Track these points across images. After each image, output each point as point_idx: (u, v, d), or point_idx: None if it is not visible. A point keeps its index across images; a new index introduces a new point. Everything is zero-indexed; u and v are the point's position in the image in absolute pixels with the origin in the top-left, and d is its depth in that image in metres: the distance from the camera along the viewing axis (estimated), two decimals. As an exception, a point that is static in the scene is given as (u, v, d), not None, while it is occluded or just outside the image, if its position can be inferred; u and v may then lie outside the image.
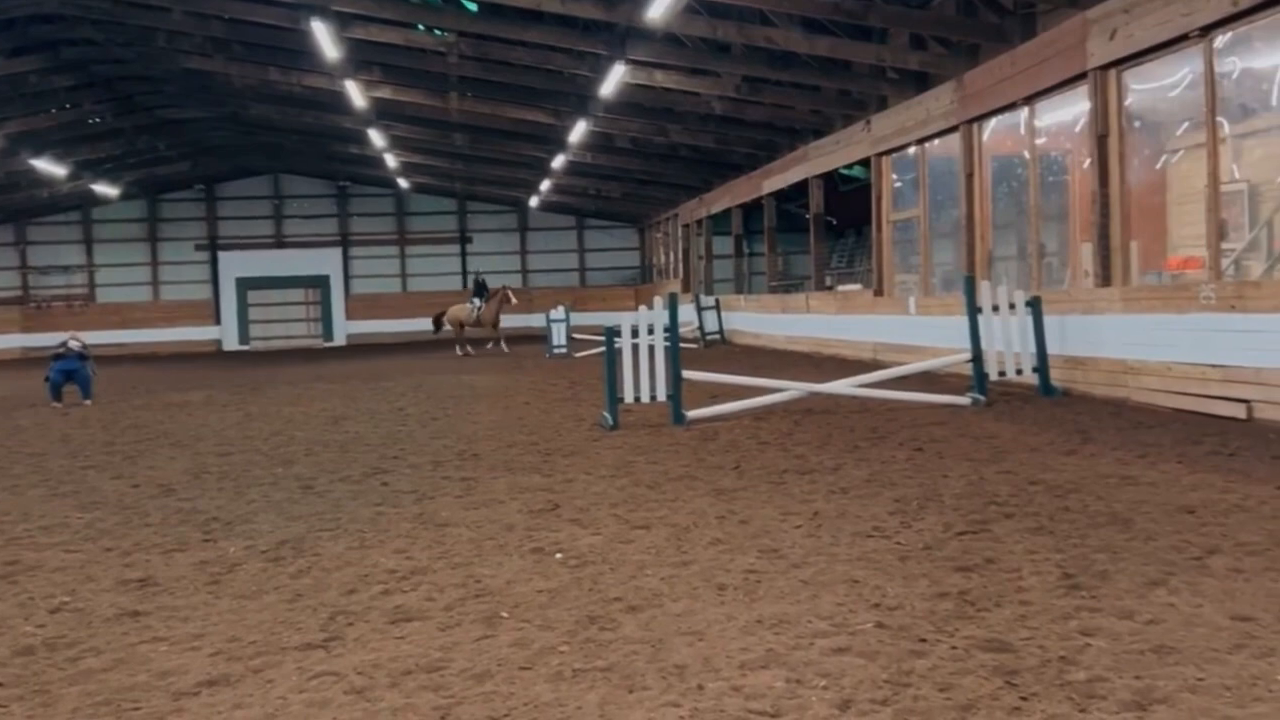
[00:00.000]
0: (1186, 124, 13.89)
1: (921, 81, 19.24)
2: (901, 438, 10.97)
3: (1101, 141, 13.95)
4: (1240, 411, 11.01)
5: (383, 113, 30.21)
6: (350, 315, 45.78)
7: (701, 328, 31.20)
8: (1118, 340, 13.20)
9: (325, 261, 45.72)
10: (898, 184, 21.46)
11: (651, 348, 12.85)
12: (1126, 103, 13.88)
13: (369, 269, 46.26)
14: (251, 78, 28.81)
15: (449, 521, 7.79)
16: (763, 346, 28.41)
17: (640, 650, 4.79)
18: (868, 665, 4.48)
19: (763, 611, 5.28)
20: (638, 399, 12.81)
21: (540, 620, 5.31)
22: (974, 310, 13.70)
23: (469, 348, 31.49)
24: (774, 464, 9.70)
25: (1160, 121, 14.59)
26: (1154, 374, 12.50)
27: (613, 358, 12.89)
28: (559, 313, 29.74)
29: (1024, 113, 16.14)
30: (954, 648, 4.64)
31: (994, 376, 13.74)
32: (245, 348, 44.10)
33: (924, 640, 4.75)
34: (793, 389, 13.82)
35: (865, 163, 22.63)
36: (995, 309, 13.83)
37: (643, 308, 13.41)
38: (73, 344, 19.23)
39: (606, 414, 12.81)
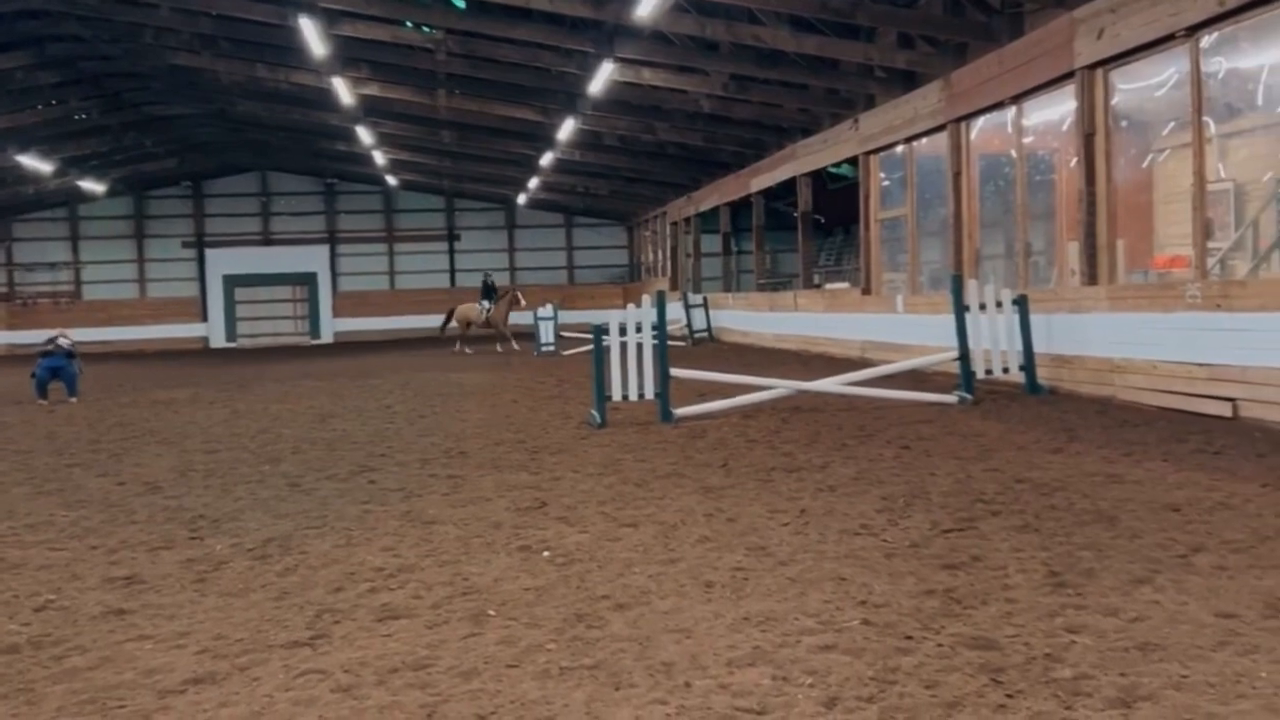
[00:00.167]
0: (1173, 123, 13.94)
1: (909, 80, 19.27)
2: (889, 436, 10.99)
3: (1088, 141, 13.99)
4: (1225, 410, 11.06)
5: (370, 110, 30.16)
6: (338, 313, 45.69)
7: (689, 326, 31.23)
8: (1104, 339, 13.25)
9: (312, 259, 45.61)
10: (885, 183, 21.49)
11: (639, 346, 12.85)
12: (1113, 102, 13.93)
13: (356, 266, 46.18)
14: (239, 74, 28.73)
15: (436, 519, 7.78)
16: (751, 345, 28.44)
17: (627, 648, 4.80)
18: (854, 662, 4.49)
19: (750, 609, 5.29)
20: (626, 397, 12.81)
21: (527, 618, 5.31)
22: (961, 309, 13.72)
23: (468, 348, 31.36)
24: (762, 462, 9.72)
25: (1147, 121, 14.64)
26: (1140, 372, 12.55)
27: (601, 355, 12.89)
28: (547, 311, 29.73)
29: (1011, 112, 16.18)
30: (940, 645, 4.65)
31: (981, 375, 13.77)
32: (232, 345, 43.99)
33: (910, 638, 4.77)
34: (780, 387, 13.83)
35: (853, 161, 22.67)
36: (982, 307, 13.86)
37: (631, 306, 13.41)
38: (62, 342, 19.13)
39: (594, 412, 12.81)
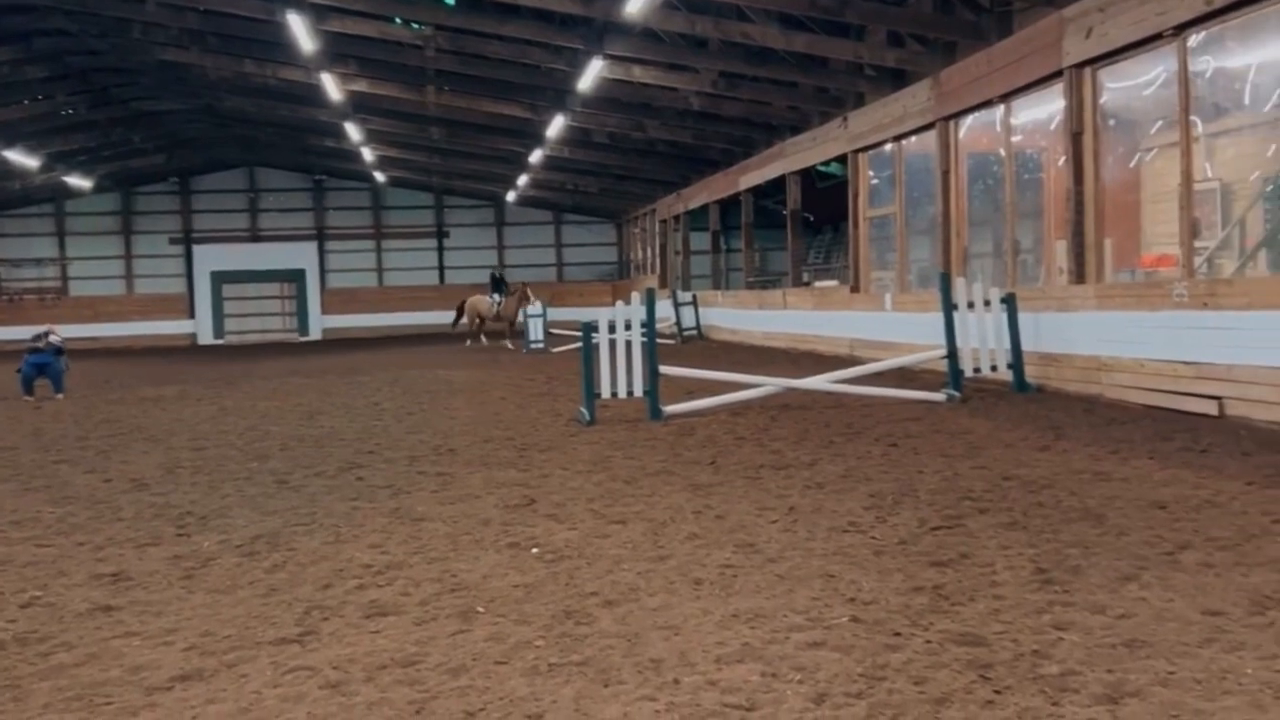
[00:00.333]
0: (1160, 123, 13.98)
1: (898, 79, 19.29)
2: (877, 433, 11.01)
3: (1076, 139, 14.03)
4: (1212, 408, 11.11)
5: (359, 106, 30.09)
6: (326, 309, 45.58)
7: (679, 323, 31.23)
8: (1091, 337, 13.29)
9: (301, 255, 45.48)
10: (874, 181, 21.52)
11: (629, 343, 12.85)
12: (1101, 101, 13.97)
13: (345, 263, 46.08)
14: (227, 70, 28.63)
15: (425, 516, 7.78)
16: (740, 342, 28.46)
17: (616, 645, 4.80)
18: (843, 659, 4.50)
19: (739, 606, 5.29)
20: (615, 394, 12.82)
21: (516, 615, 5.31)
22: (949, 307, 13.76)
23: (483, 340, 31.23)
24: (750, 459, 9.73)
25: (1134, 120, 14.68)
26: (1127, 371, 12.59)
27: (590, 353, 12.89)
28: (536, 308, 29.71)
29: (1000, 110, 16.21)
30: (928, 642, 4.67)
31: (969, 373, 13.82)
32: (220, 342, 43.88)
33: (899, 634, 4.78)
34: (769, 385, 13.84)
35: (842, 159, 22.69)
36: (970, 306, 13.90)
37: (620, 303, 13.41)
38: (53, 339, 19.03)
39: (583, 409, 12.81)
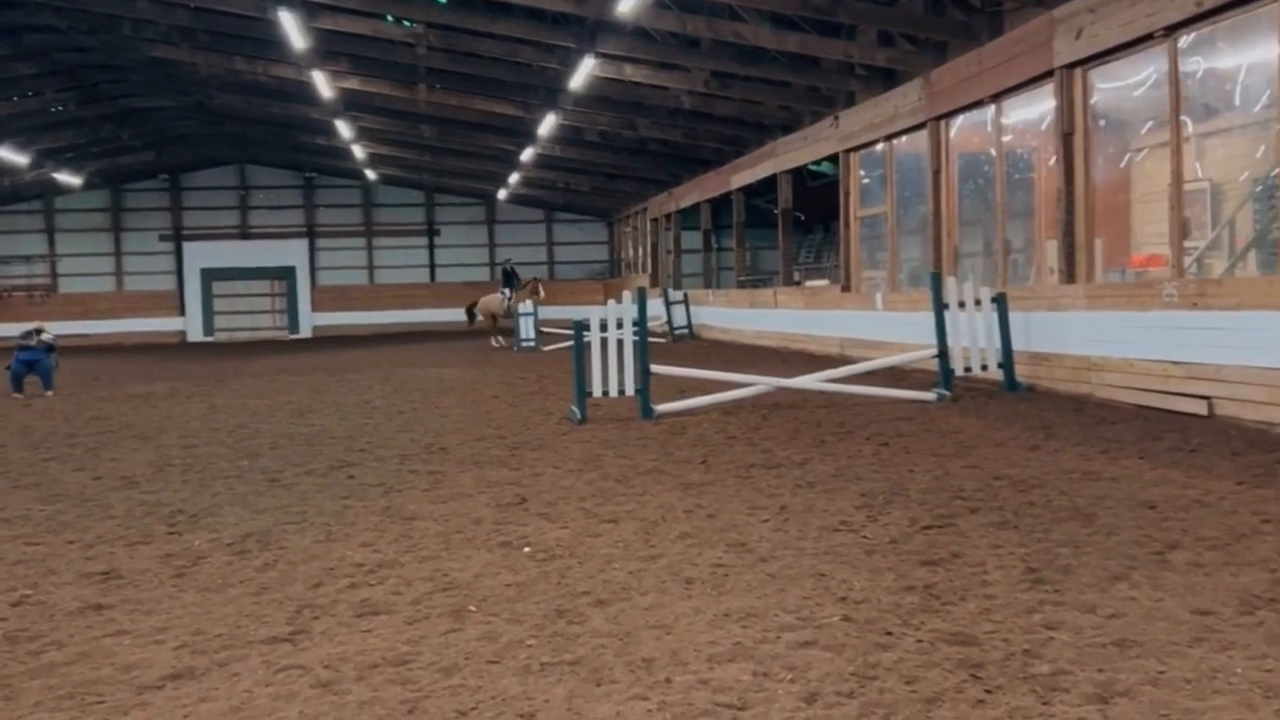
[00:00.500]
0: (1151, 123, 14.02)
1: (889, 78, 19.32)
2: (868, 433, 11.03)
3: (1067, 139, 14.06)
4: (1201, 408, 11.14)
5: (350, 104, 30.03)
6: (316, 307, 45.47)
7: (670, 322, 31.22)
8: (1081, 337, 13.32)
9: (291, 253, 45.38)
10: (865, 180, 21.54)
11: (620, 342, 12.85)
12: (1092, 101, 13.99)
13: (335, 260, 45.99)
14: (217, 67, 28.54)
15: (416, 515, 7.77)
16: (731, 341, 28.47)
17: (608, 644, 4.80)
18: (834, 658, 4.50)
19: (730, 605, 5.30)
20: (606, 393, 12.82)
21: (508, 614, 5.31)
22: (940, 306, 13.78)
23: (500, 339, 31.11)
24: (742, 458, 9.74)
25: (1125, 120, 14.72)
26: (1117, 370, 12.63)
27: (581, 352, 12.89)
28: (527, 306, 29.68)
29: (991, 110, 16.24)
30: (919, 641, 4.68)
31: (959, 372, 13.84)
32: (210, 339, 43.77)
33: (890, 634, 4.79)
34: (760, 384, 13.85)
35: (833, 159, 22.70)
36: (961, 305, 13.92)
37: (611, 302, 13.41)
38: (45, 336, 18.96)
39: (575, 408, 12.81)
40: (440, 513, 7.82)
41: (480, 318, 32.68)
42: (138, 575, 6.33)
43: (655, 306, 29.27)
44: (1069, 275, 14.14)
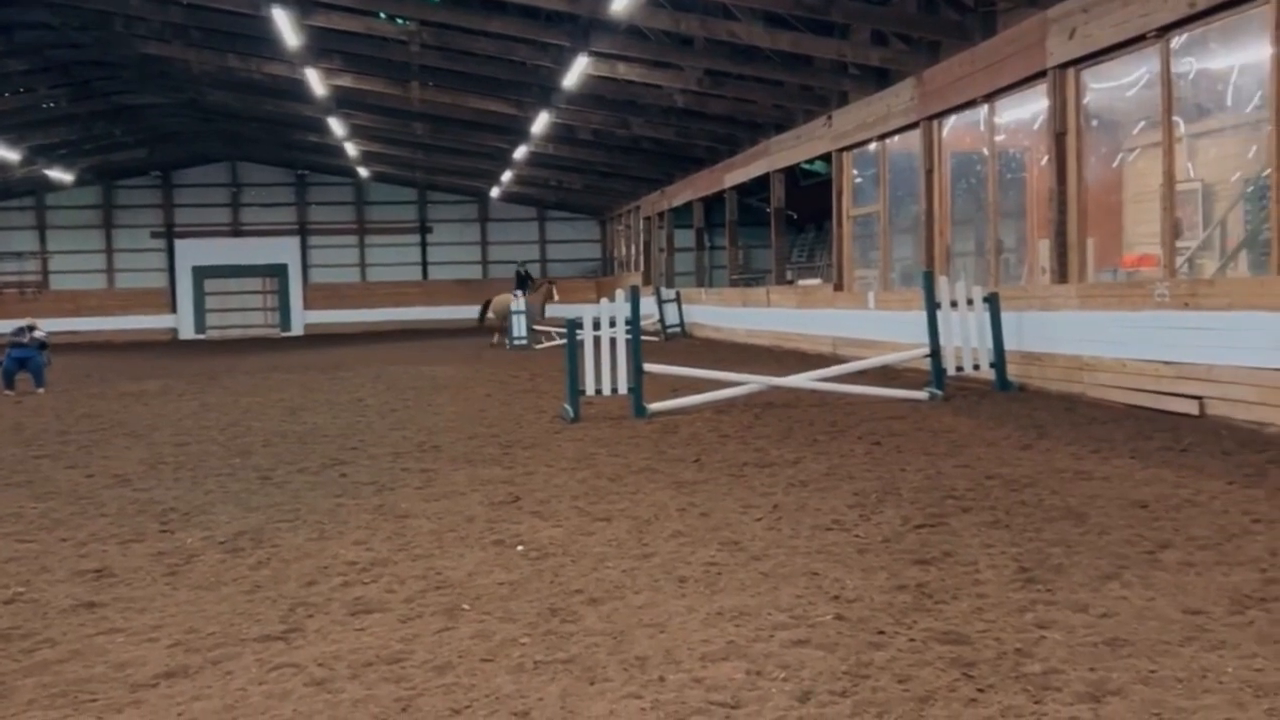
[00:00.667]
0: (1143, 123, 14.06)
1: (883, 78, 19.34)
2: (860, 432, 11.04)
3: (1059, 139, 14.09)
4: (1192, 408, 11.17)
5: (343, 101, 29.97)
6: (309, 305, 45.40)
7: (662, 321, 31.23)
8: (1073, 336, 13.35)
9: (283, 250, 45.28)
10: (858, 179, 21.56)
11: (613, 340, 12.86)
12: (1085, 101, 14.02)
13: (327, 258, 45.92)
14: (210, 64, 28.48)
15: (409, 513, 7.77)
16: (723, 340, 28.49)
17: (602, 642, 4.81)
18: (827, 657, 4.52)
19: (723, 603, 5.31)
20: (599, 391, 12.82)
21: (501, 612, 5.32)
22: (932, 306, 13.80)
23: (508, 340, 31.02)
24: (734, 457, 9.75)
25: (1117, 120, 14.75)
26: (1108, 370, 12.66)
27: (574, 350, 12.89)
28: (519, 304, 29.66)
29: (984, 110, 16.27)
30: (912, 640, 4.69)
31: (952, 371, 13.87)
32: (201, 337, 43.68)
33: (882, 632, 4.80)
34: (753, 382, 13.87)
35: (826, 158, 22.72)
36: (953, 304, 13.95)
37: (604, 300, 13.41)
38: (37, 333, 18.91)
39: (568, 406, 12.81)
40: (433, 511, 7.82)
41: (491, 316, 32.59)
42: (130, 573, 6.32)
43: (648, 305, 29.26)
44: (1061, 275, 14.17)
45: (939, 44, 17.26)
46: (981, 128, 16.66)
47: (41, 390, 18.48)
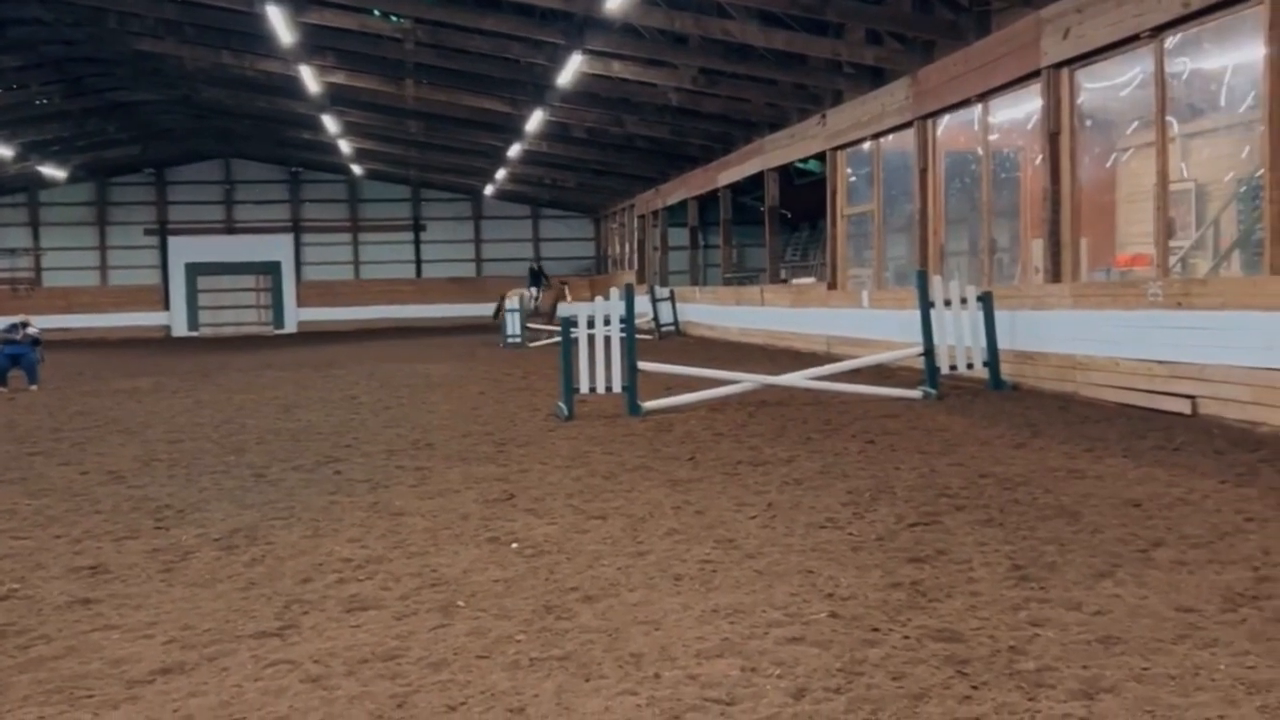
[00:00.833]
0: (1136, 123, 14.09)
1: (877, 77, 19.37)
2: (854, 430, 11.06)
3: (1053, 139, 14.12)
4: (1185, 407, 11.21)
5: (337, 98, 29.95)
6: (302, 302, 45.37)
7: (656, 319, 31.23)
8: (1066, 336, 13.38)
9: (276, 248, 45.26)
10: (852, 178, 21.59)
11: (607, 339, 12.86)
12: (1078, 101, 14.06)
13: (321, 256, 45.88)
14: (204, 61, 28.45)
15: (404, 511, 7.78)
16: (717, 338, 28.50)
17: (597, 639, 4.82)
18: (822, 654, 4.53)
19: (718, 601, 5.32)
20: (593, 390, 12.83)
21: (497, 609, 5.32)
22: (926, 305, 13.83)
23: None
24: (729, 455, 9.76)
25: (1111, 120, 14.79)
26: (1101, 369, 12.69)
27: (569, 348, 12.89)
28: (513, 302, 29.66)
29: (978, 109, 16.30)
30: (906, 637, 4.71)
31: (945, 370, 13.89)
32: (194, 334, 43.62)
33: (877, 630, 4.82)
34: (747, 381, 13.89)
35: (820, 157, 22.74)
36: (947, 304, 13.97)
37: (599, 298, 13.42)
38: (30, 330, 18.88)
39: (562, 404, 12.82)
40: (428, 508, 7.83)
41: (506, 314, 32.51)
42: (126, 570, 6.32)
43: (641, 303, 29.23)
44: (1054, 274, 14.20)
45: (933, 43, 17.28)
46: (976, 127, 16.70)
47: (34, 387, 18.45)
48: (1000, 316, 14.05)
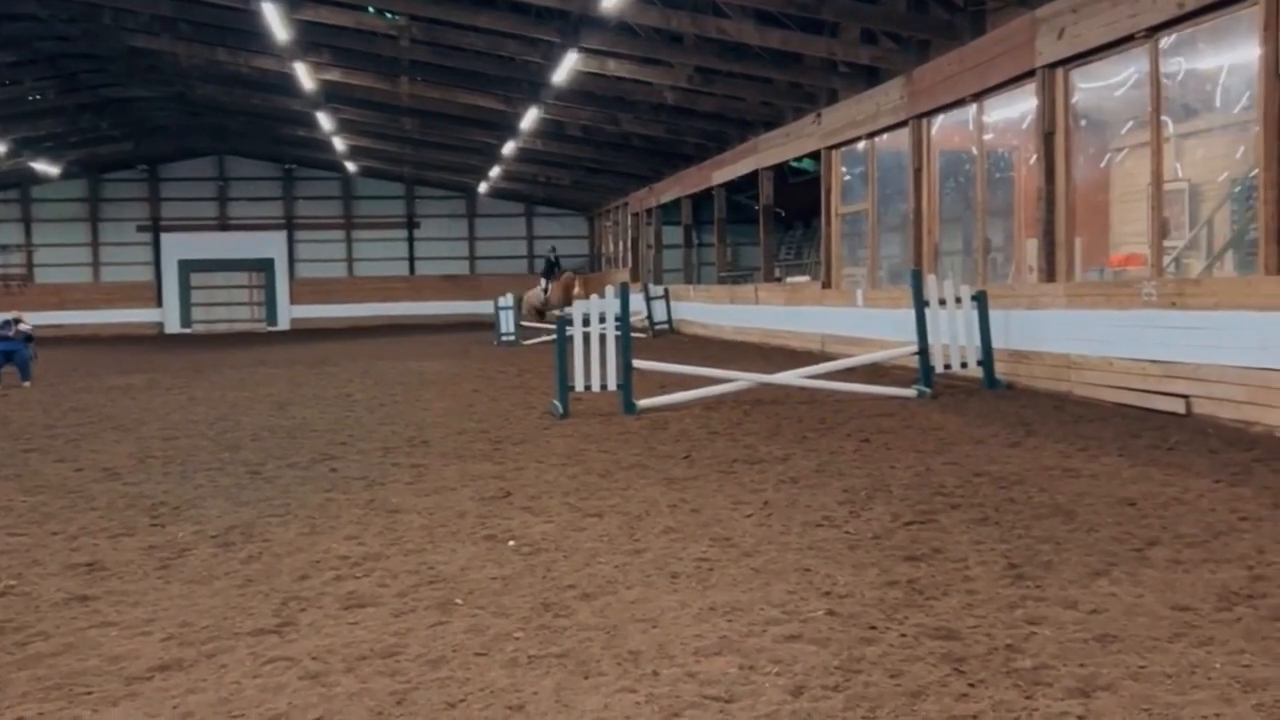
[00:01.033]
0: (1131, 123, 14.13)
1: (872, 76, 19.39)
2: (849, 429, 11.08)
3: (1048, 139, 14.14)
4: (1179, 406, 11.24)
5: (331, 96, 29.93)
6: (295, 300, 45.33)
7: (650, 317, 31.23)
8: (1061, 335, 13.40)
9: (270, 245, 45.21)
10: (847, 177, 21.61)
11: (602, 337, 12.87)
12: (1073, 101, 14.08)
13: (314, 253, 45.84)
14: (199, 58, 28.42)
15: (400, 508, 7.78)
16: (711, 337, 28.51)
17: (595, 637, 4.83)
18: (819, 652, 4.54)
19: (715, 599, 5.33)
20: (588, 388, 12.83)
21: (494, 607, 5.33)
22: (920, 303, 13.85)
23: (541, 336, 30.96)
24: (724, 453, 9.78)
25: (1105, 120, 14.82)
26: (1096, 369, 12.72)
27: (564, 346, 12.90)
28: (507, 300, 29.64)
29: (972, 109, 16.32)
30: (903, 635, 4.72)
31: (940, 369, 13.91)
32: (187, 331, 43.56)
33: (874, 628, 4.83)
34: (742, 379, 13.90)
35: (815, 155, 22.76)
36: (941, 303, 13.99)
37: (594, 296, 13.42)
38: (23, 326, 18.86)
39: (557, 402, 12.82)
40: (424, 506, 7.83)
41: (524, 311, 32.49)
42: (122, 567, 6.32)
43: (635, 301, 29.23)
44: (1048, 274, 14.23)
45: (929, 43, 17.31)
46: (970, 127, 16.72)
47: (27, 384, 18.43)
48: (994, 316, 14.07)
